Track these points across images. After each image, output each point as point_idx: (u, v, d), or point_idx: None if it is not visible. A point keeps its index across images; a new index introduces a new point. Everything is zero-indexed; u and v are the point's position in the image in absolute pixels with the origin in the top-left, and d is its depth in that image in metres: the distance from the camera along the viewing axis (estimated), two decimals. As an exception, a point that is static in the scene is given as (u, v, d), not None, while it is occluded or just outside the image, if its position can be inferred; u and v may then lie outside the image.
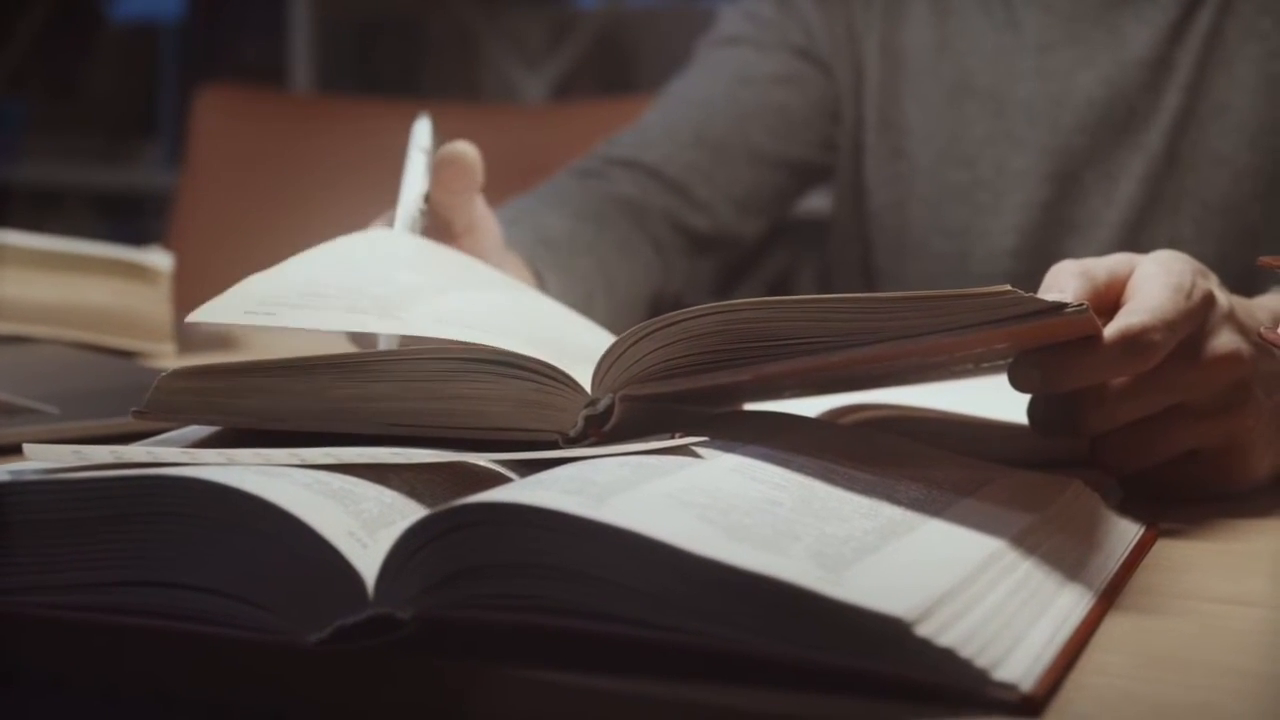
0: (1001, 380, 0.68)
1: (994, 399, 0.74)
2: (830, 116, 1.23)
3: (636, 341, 0.60)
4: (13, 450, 0.74)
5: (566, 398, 0.60)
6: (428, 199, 0.87)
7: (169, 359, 1.09)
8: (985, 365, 0.70)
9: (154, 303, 1.10)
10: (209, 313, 0.65)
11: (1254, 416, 0.69)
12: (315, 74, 2.74)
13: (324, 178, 1.81)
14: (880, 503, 0.57)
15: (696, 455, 0.58)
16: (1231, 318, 0.68)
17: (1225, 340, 0.67)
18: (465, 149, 0.86)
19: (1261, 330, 0.67)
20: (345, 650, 0.49)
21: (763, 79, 1.21)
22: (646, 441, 0.59)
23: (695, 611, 0.47)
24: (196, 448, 0.60)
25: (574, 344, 0.80)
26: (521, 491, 0.50)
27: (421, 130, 0.92)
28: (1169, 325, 0.64)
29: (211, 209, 1.83)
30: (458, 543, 0.49)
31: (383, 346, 0.73)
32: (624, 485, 0.52)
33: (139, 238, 1.36)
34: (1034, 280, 0.69)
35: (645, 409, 0.62)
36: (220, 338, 1.18)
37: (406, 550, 0.49)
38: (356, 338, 0.87)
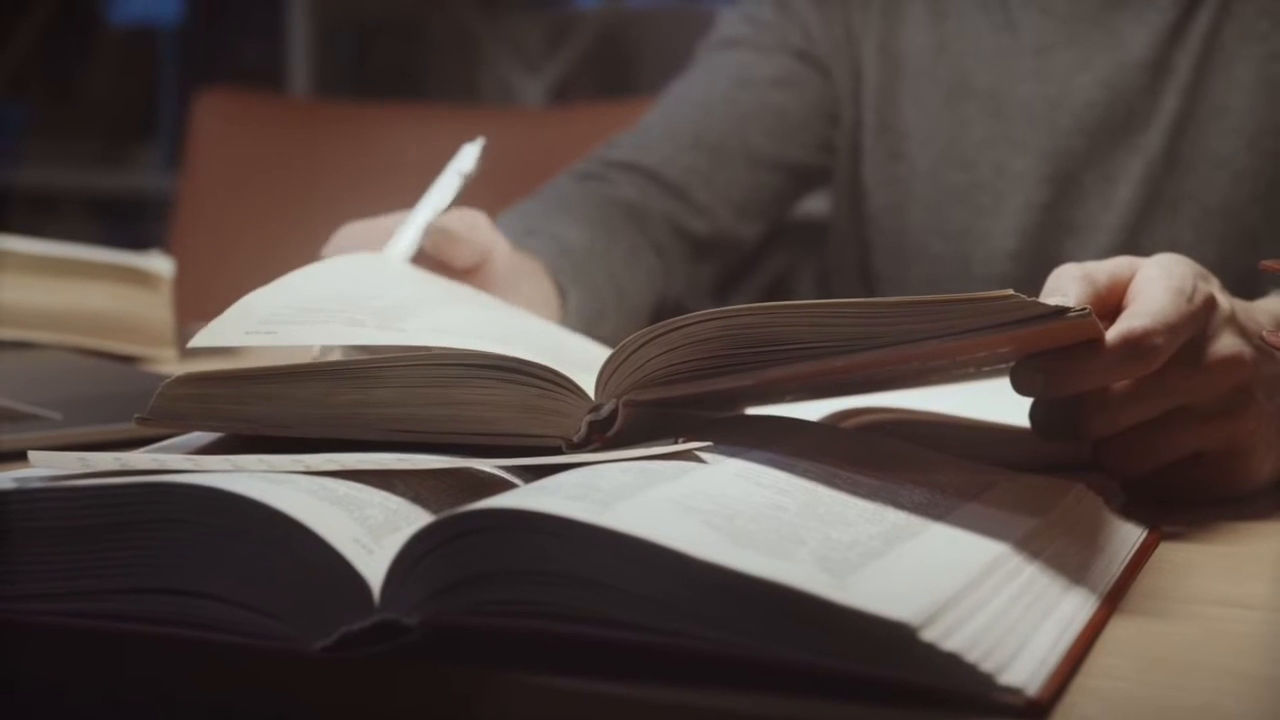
0: (1002, 384, 0.68)
1: (995, 403, 0.74)
2: (829, 119, 1.23)
3: (640, 347, 0.60)
4: (16, 456, 0.74)
5: (570, 403, 0.60)
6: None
7: (170, 364, 1.09)
8: (987, 369, 0.70)
9: (155, 308, 1.10)
10: (211, 336, 0.66)
11: (1256, 419, 0.69)
12: (314, 77, 2.74)
13: (324, 181, 1.81)
14: (884, 507, 0.57)
15: (700, 460, 0.58)
16: (1233, 321, 0.68)
17: (1227, 343, 0.67)
18: (456, 225, 0.85)
19: (1263, 333, 0.67)
20: (350, 657, 0.49)
21: (762, 81, 1.21)
22: (650, 447, 0.59)
23: (700, 616, 0.47)
24: (200, 454, 0.60)
25: (572, 352, 0.80)
26: (527, 498, 0.50)
27: (468, 154, 0.92)
28: (1171, 329, 0.65)
29: (211, 213, 1.83)
30: (463, 549, 0.49)
31: None
32: (628, 491, 0.52)
33: (137, 241, 1.36)
34: (1034, 282, 0.69)
35: (648, 414, 0.62)
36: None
37: (412, 556, 0.49)
38: (356, 350, 0.87)
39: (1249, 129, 1.11)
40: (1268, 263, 0.64)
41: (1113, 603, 0.56)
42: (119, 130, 3.04)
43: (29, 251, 1.09)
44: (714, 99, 1.20)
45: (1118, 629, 0.54)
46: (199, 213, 1.83)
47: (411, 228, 0.88)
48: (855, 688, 0.47)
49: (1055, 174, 1.15)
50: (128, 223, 3.04)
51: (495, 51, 2.72)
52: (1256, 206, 1.11)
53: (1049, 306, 0.58)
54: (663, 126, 1.19)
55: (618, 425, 0.61)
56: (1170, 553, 0.64)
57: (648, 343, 0.60)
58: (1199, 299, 0.66)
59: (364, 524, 0.52)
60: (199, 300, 1.23)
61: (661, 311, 1.11)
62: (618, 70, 2.75)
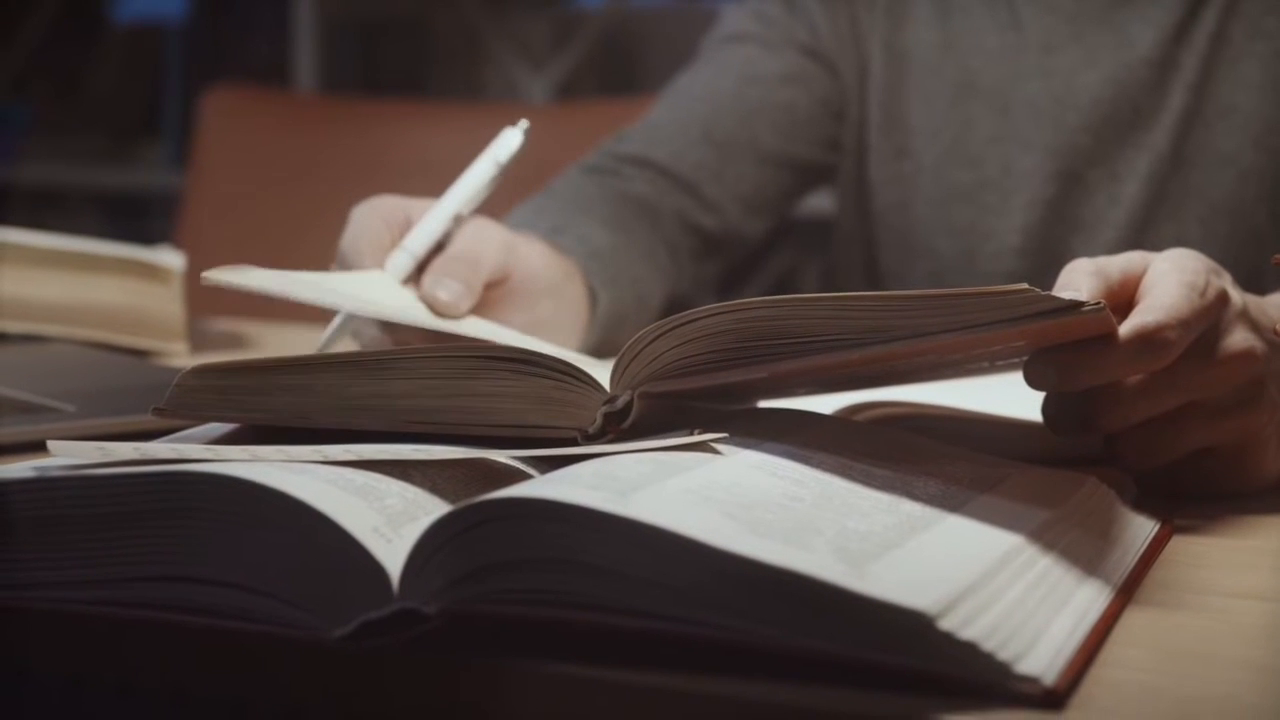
0: (1014, 378, 0.68)
1: (1006, 396, 0.75)
2: (835, 116, 1.23)
3: (655, 339, 0.61)
4: (31, 447, 0.74)
5: (585, 395, 0.61)
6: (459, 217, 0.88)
7: (181, 358, 1.10)
8: (1000, 363, 0.70)
9: (166, 302, 1.11)
10: (225, 275, 0.72)
11: (1268, 414, 0.69)
12: (319, 74, 2.74)
13: (331, 178, 1.81)
14: (899, 498, 0.57)
15: (716, 452, 0.58)
16: (1245, 316, 0.68)
17: (1239, 338, 0.68)
18: (439, 298, 0.85)
19: (1276, 328, 0.68)
20: (369, 645, 0.50)
21: (769, 77, 1.21)
22: (666, 438, 0.59)
23: (718, 605, 0.48)
24: (217, 445, 0.61)
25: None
26: (546, 487, 0.50)
27: (508, 140, 0.90)
28: (1183, 323, 0.65)
29: (219, 209, 1.83)
30: (482, 538, 0.49)
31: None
32: (646, 481, 0.52)
33: (143, 238, 1.36)
34: (1040, 279, 0.69)
35: (663, 406, 0.63)
36: (232, 337, 1.19)
37: (431, 545, 0.49)
38: (358, 335, 0.88)
39: (1255, 127, 1.11)
40: (1279, 257, 0.64)
41: (1127, 594, 0.56)
42: (124, 127, 3.04)
43: (40, 245, 1.09)
44: (722, 94, 1.20)
45: (1132, 620, 0.54)
46: (206, 209, 1.84)
47: (435, 221, 0.87)
48: (873, 676, 0.47)
49: (1061, 171, 1.15)
50: (132, 219, 3.04)
51: (500, 49, 2.72)
52: (1262, 204, 1.11)
53: (1064, 301, 0.58)
54: (671, 121, 1.19)
55: (633, 417, 0.61)
56: (1183, 545, 0.64)
57: (662, 335, 0.61)
58: (1211, 294, 0.67)
59: (383, 513, 0.52)
60: (206, 295, 1.23)
61: (670, 309, 1.11)
62: (622, 68, 2.76)
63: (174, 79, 2.99)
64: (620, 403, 0.61)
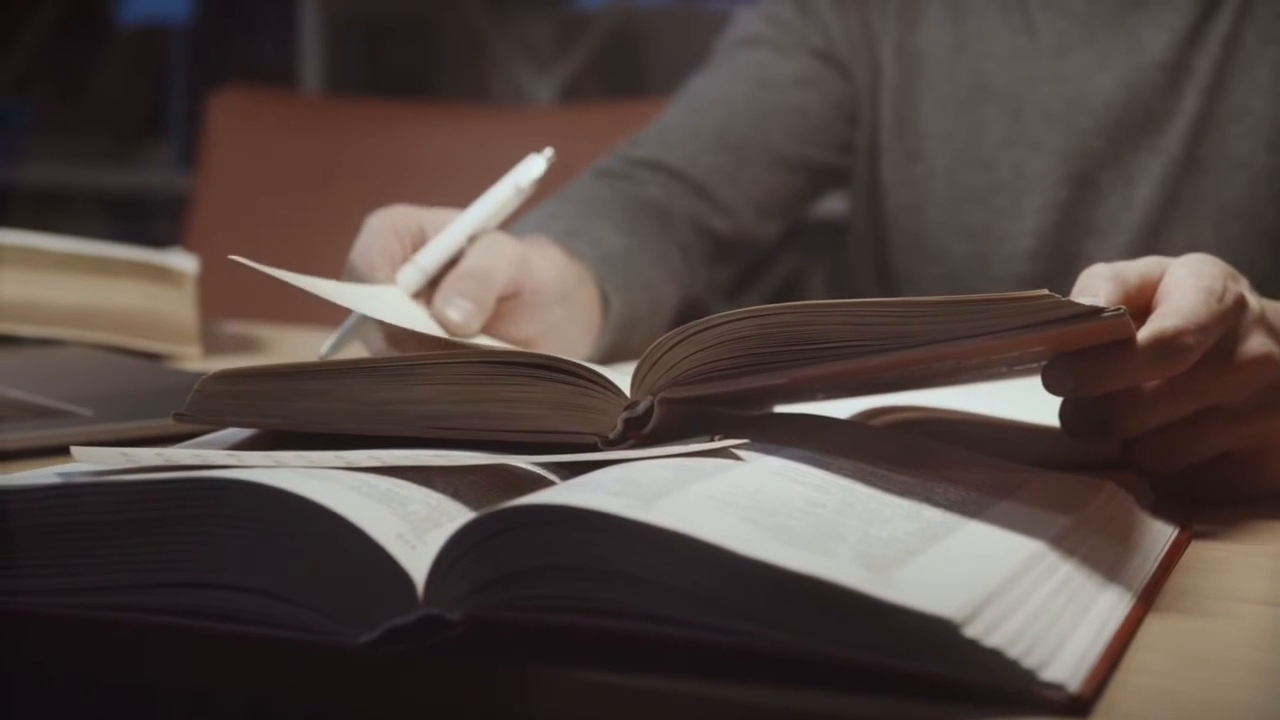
0: (1028, 382, 0.68)
1: (1023, 401, 0.75)
2: (848, 119, 1.24)
3: (675, 345, 0.61)
4: (50, 452, 0.74)
5: (605, 400, 0.61)
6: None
7: (194, 361, 1.10)
8: (1018, 368, 0.70)
9: (179, 305, 1.11)
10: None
11: (1285, 418, 0.69)
12: (325, 76, 2.74)
13: (339, 179, 1.81)
14: (920, 504, 0.57)
15: (737, 458, 0.58)
16: (1263, 321, 0.68)
17: (1257, 343, 0.68)
18: (449, 317, 0.85)
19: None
20: (394, 651, 0.50)
21: (783, 81, 1.21)
22: (687, 444, 0.59)
23: (743, 613, 0.48)
24: (237, 450, 0.61)
25: None
26: (570, 494, 0.50)
27: (531, 167, 0.90)
28: (1202, 328, 0.65)
29: (228, 211, 1.83)
30: (507, 544, 0.50)
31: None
32: (669, 487, 0.52)
33: (148, 239, 1.36)
34: (1053, 283, 0.69)
35: (682, 411, 0.63)
36: (245, 340, 1.19)
37: (456, 552, 0.50)
38: (366, 343, 0.88)
39: (1268, 130, 1.11)
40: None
41: (1148, 600, 0.56)
42: (129, 128, 3.04)
43: (53, 248, 1.09)
44: (736, 98, 1.20)
45: (1154, 626, 0.54)
46: (215, 211, 1.84)
47: (448, 239, 0.87)
48: (897, 683, 0.47)
49: (1074, 174, 1.15)
50: (137, 221, 3.04)
51: (505, 51, 2.72)
52: (1275, 207, 1.11)
53: (1085, 306, 0.58)
54: (685, 125, 1.20)
55: (653, 423, 0.61)
56: (1202, 551, 0.64)
57: (683, 341, 0.61)
58: (1229, 299, 0.67)
59: (406, 519, 0.52)
60: (219, 299, 1.23)
61: (683, 313, 1.11)
62: (628, 70, 2.76)
63: (179, 80, 2.99)
64: (641, 408, 0.61)
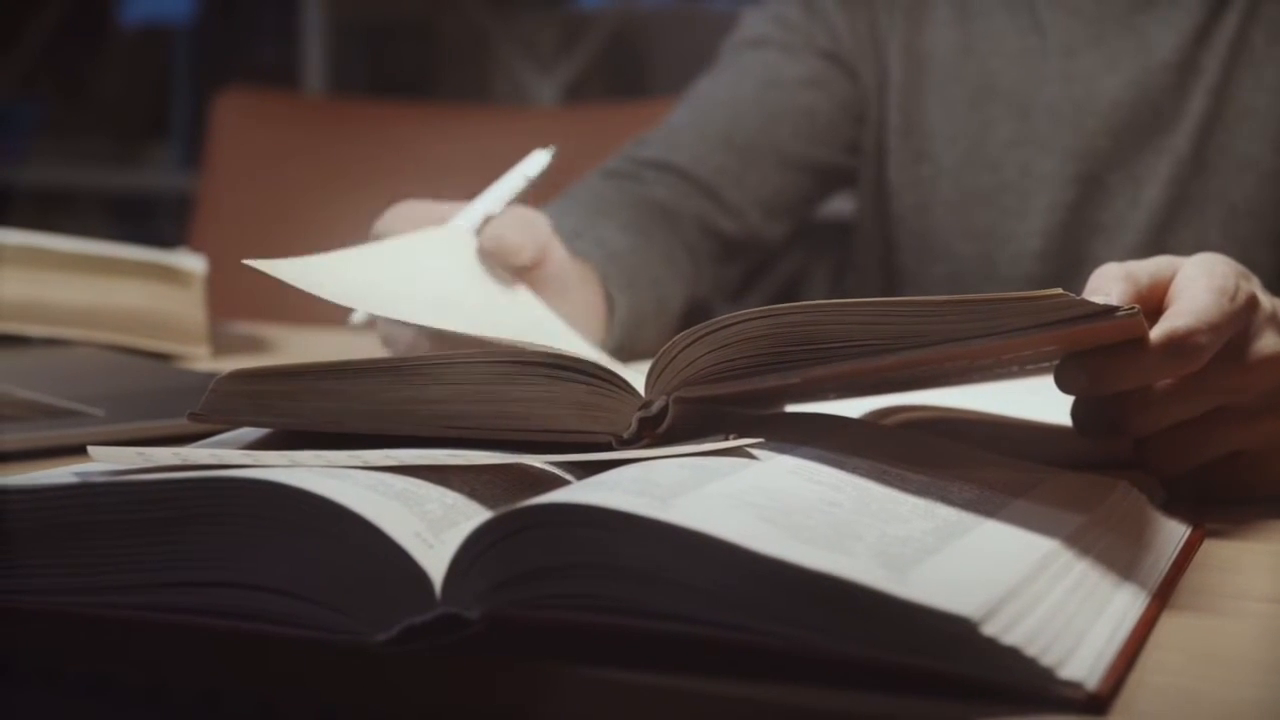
0: (1042, 382, 0.68)
1: (1034, 400, 0.75)
2: (855, 119, 1.24)
3: (690, 344, 0.61)
4: (62, 452, 0.75)
5: (620, 399, 0.61)
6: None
7: (203, 361, 1.10)
8: (1030, 367, 0.71)
9: (188, 305, 1.11)
10: (270, 266, 0.71)
11: (1297, 419, 0.70)
12: (328, 76, 2.75)
13: (343, 180, 1.81)
14: (935, 504, 0.57)
15: (752, 457, 0.59)
16: (1274, 320, 0.69)
17: (1269, 342, 0.68)
18: (506, 238, 0.86)
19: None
20: (412, 650, 0.50)
21: (791, 82, 1.21)
22: (703, 443, 0.59)
23: (761, 611, 0.48)
24: (252, 450, 0.61)
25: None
26: (588, 493, 0.51)
27: (536, 160, 0.95)
28: (1214, 328, 0.65)
29: (233, 212, 1.83)
30: (525, 543, 0.50)
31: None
32: (686, 487, 0.52)
33: (151, 240, 1.36)
34: (1061, 283, 0.69)
35: (697, 411, 0.63)
36: (254, 340, 1.19)
37: (474, 550, 0.50)
38: (390, 341, 0.88)
39: (1275, 130, 1.11)
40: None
41: (1163, 599, 0.57)
42: (131, 129, 3.04)
43: (62, 249, 1.10)
44: (743, 99, 1.20)
45: (1169, 624, 0.54)
46: (219, 212, 1.84)
47: (472, 213, 0.89)
48: (915, 681, 0.47)
49: (1082, 175, 1.15)
50: (140, 221, 3.05)
51: (507, 51, 2.73)
52: (1283, 207, 1.11)
53: (1099, 306, 0.58)
54: (692, 126, 1.20)
55: (668, 422, 0.61)
56: (1215, 550, 0.64)
57: (697, 340, 0.61)
58: (1241, 298, 0.67)
59: (424, 518, 0.52)
60: (227, 299, 1.23)
61: (690, 314, 1.11)
62: (629, 70, 2.76)
63: (181, 81, 2.99)
64: (655, 407, 0.61)
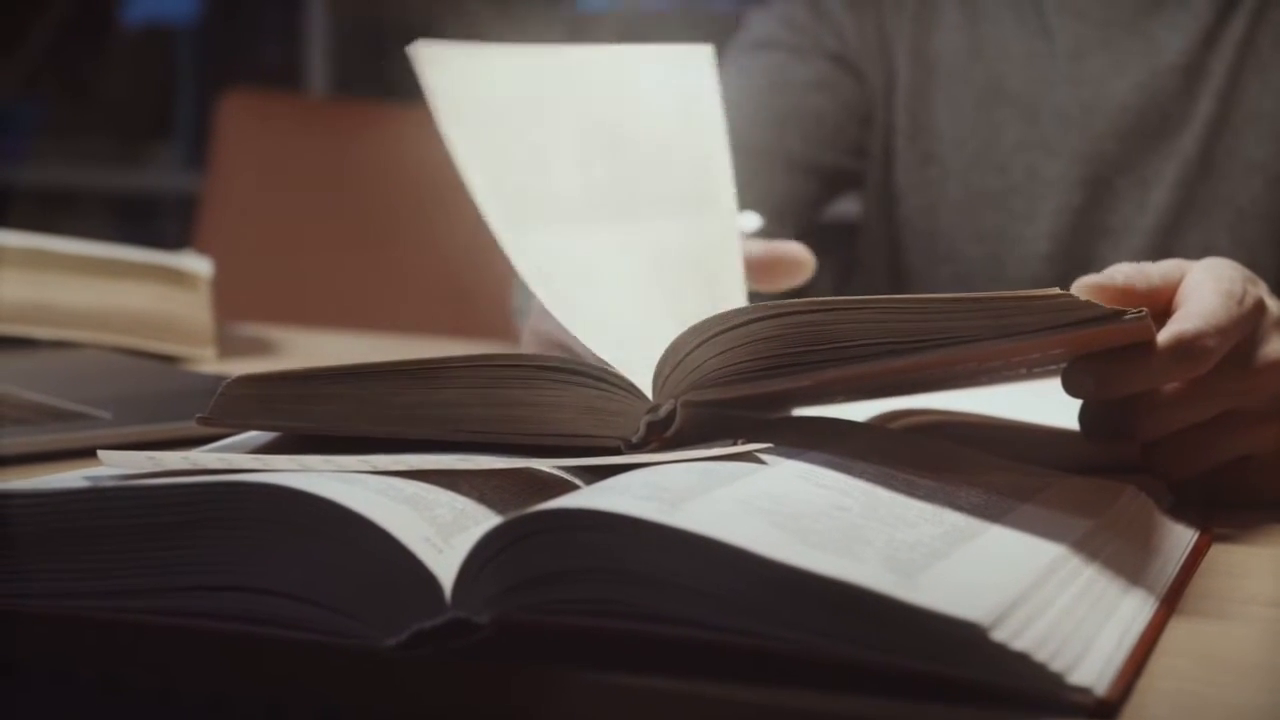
0: (1048, 385, 0.68)
1: (1040, 404, 0.75)
2: (862, 122, 1.24)
3: (696, 347, 0.61)
4: (70, 455, 0.75)
5: (628, 404, 0.61)
6: None
7: (210, 364, 1.10)
8: (1037, 370, 0.71)
9: (194, 308, 1.11)
10: None
11: (1305, 422, 0.70)
12: (331, 77, 2.75)
13: (347, 180, 1.81)
14: (943, 508, 0.57)
15: (760, 462, 0.59)
16: (1281, 325, 0.69)
17: (1276, 346, 0.68)
18: (797, 250, 0.85)
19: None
20: (421, 655, 0.50)
21: (799, 85, 1.21)
22: (711, 448, 0.59)
23: (769, 616, 0.48)
24: (261, 454, 0.61)
25: None
26: (597, 498, 0.51)
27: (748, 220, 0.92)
28: (1221, 331, 0.65)
29: (237, 213, 1.84)
30: (534, 548, 0.50)
31: None
32: (695, 492, 0.52)
33: (154, 240, 1.37)
34: (1068, 285, 0.69)
35: (704, 414, 0.63)
36: (260, 342, 1.19)
37: (484, 555, 0.50)
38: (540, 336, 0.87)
39: (1283, 133, 1.11)
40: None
41: (1171, 604, 0.57)
42: (134, 129, 3.05)
43: (68, 251, 1.10)
44: (753, 102, 1.20)
45: (1177, 629, 0.54)
46: (224, 212, 1.84)
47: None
48: (923, 686, 0.47)
49: (1089, 178, 1.15)
50: (143, 222, 3.05)
51: (512, 52, 2.73)
52: (1290, 210, 1.11)
53: (1108, 308, 0.58)
54: None
55: (675, 426, 0.61)
56: (1222, 555, 0.64)
57: (704, 343, 0.61)
58: (1249, 302, 0.67)
59: (433, 523, 0.52)
60: (233, 301, 1.23)
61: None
62: (632, 71, 2.76)
63: (185, 81, 2.99)
64: (663, 411, 0.61)
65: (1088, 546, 0.57)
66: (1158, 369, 0.64)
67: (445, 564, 0.50)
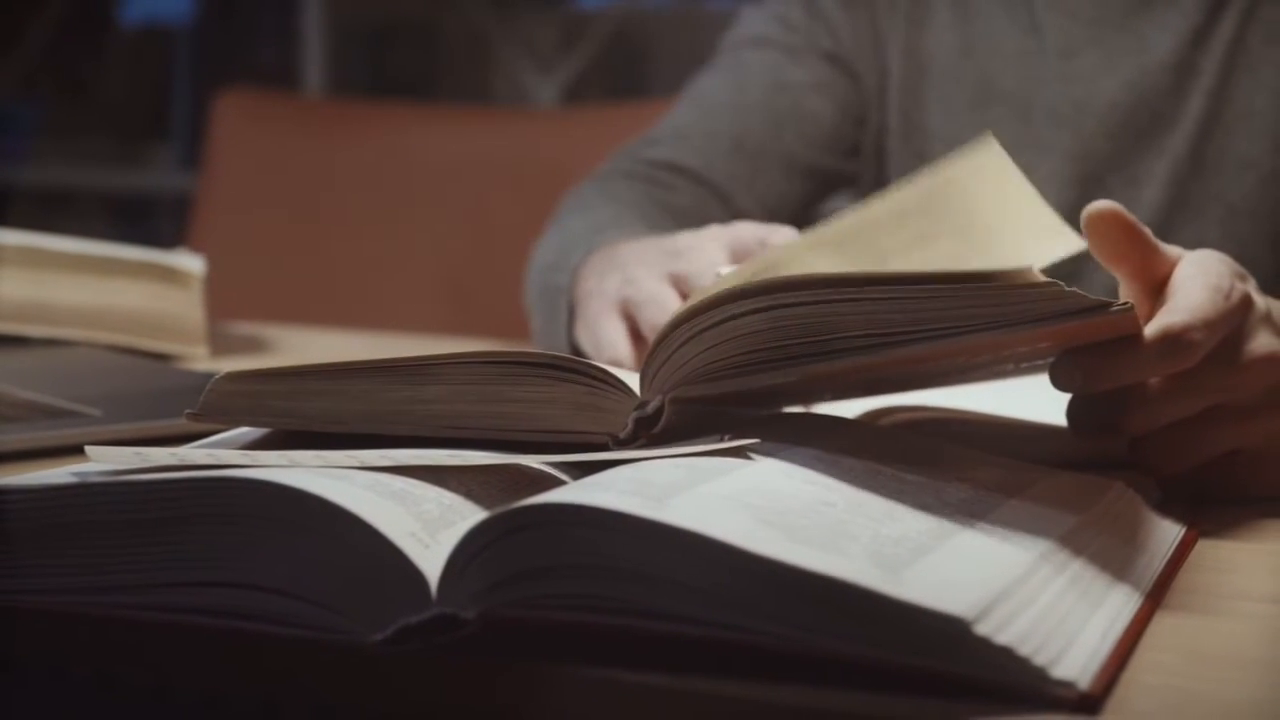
0: (1036, 381, 0.69)
1: (1028, 400, 0.75)
2: (857, 122, 1.24)
3: (685, 343, 0.61)
4: (61, 452, 0.75)
5: (616, 400, 0.61)
6: None
7: (202, 362, 1.10)
8: (1025, 365, 0.71)
9: (187, 306, 1.11)
10: None
11: (1291, 418, 0.70)
12: (328, 77, 2.75)
13: (343, 181, 1.81)
14: (929, 503, 0.58)
15: (747, 457, 0.59)
16: (1269, 320, 0.69)
17: (1263, 342, 0.68)
18: (790, 235, 0.86)
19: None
20: (407, 650, 0.50)
21: (796, 86, 1.21)
22: (698, 444, 0.59)
23: (755, 611, 0.48)
24: (250, 450, 0.61)
25: None
26: (583, 493, 0.51)
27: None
28: (1209, 325, 0.65)
29: (233, 213, 1.84)
30: (521, 543, 0.50)
31: None
32: (681, 487, 0.53)
33: (151, 240, 1.37)
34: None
35: (692, 410, 0.63)
36: (253, 340, 1.19)
37: (470, 550, 0.50)
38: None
39: (1273, 131, 1.11)
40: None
41: (1156, 599, 0.57)
42: (131, 129, 3.05)
43: (61, 249, 1.10)
44: (749, 102, 1.20)
45: (1163, 625, 0.55)
46: (219, 213, 1.84)
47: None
48: (908, 681, 0.47)
49: (1080, 176, 1.15)
50: (140, 221, 3.05)
51: (508, 52, 2.73)
52: (1281, 207, 1.11)
53: (1093, 300, 0.58)
54: (700, 127, 1.20)
55: (663, 422, 0.61)
56: (1209, 550, 0.64)
57: (692, 339, 0.61)
58: (1236, 297, 0.67)
59: (420, 519, 0.52)
60: (226, 299, 1.24)
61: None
62: (630, 71, 2.76)
63: (181, 81, 2.99)
64: (651, 408, 0.61)
65: (1074, 542, 0.57)
66: (1145, 362, 0.65)
67: (431, 559, 0.51)
